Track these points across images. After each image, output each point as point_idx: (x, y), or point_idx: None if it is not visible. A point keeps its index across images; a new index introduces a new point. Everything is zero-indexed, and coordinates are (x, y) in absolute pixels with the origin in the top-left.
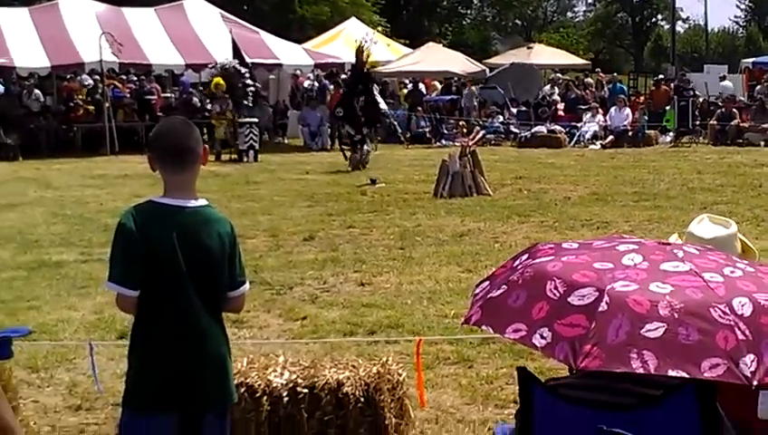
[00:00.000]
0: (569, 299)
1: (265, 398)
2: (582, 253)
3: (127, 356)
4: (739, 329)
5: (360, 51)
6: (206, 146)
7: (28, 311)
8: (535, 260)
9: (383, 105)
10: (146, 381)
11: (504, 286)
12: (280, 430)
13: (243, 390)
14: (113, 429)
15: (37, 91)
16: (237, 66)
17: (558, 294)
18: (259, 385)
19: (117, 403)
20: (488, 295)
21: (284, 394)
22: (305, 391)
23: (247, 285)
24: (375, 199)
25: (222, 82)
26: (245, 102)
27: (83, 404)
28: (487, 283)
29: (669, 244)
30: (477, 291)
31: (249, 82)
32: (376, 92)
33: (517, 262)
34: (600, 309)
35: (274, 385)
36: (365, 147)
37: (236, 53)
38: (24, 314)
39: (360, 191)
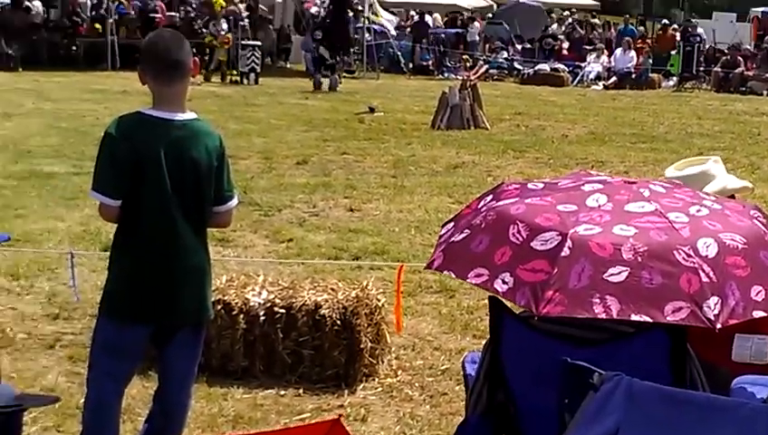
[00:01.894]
0: (531, 244)
1: (242, 316)
2: (547, 194)
3: (107, 266)
4: (703, 271)
5: None
6: (196, 59)
7: (15, 219)
8: (499, 202)
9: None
10: (124, 290)
11: (466, 230)
12: (255, 349)
13: (220, 307)
14: (89, 339)
15: (37, 2)
16: None
17: (521, 239)
18: (236, 303)
19: (95, 314)
20: (451, 239)
21: (261, 313)
22: (282, 311)
23: (235, 201)
24: (372, 127)
25: (223, 1)
26: (242, 24)
27: (61, 314)
28: (452, 224)
29: (635, 182)
30: (442, 232)
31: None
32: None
33: (482, 203)
34: (563, 254)
35: (252, 304)
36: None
37: None
38: (10, 222)
39: (358, 119)
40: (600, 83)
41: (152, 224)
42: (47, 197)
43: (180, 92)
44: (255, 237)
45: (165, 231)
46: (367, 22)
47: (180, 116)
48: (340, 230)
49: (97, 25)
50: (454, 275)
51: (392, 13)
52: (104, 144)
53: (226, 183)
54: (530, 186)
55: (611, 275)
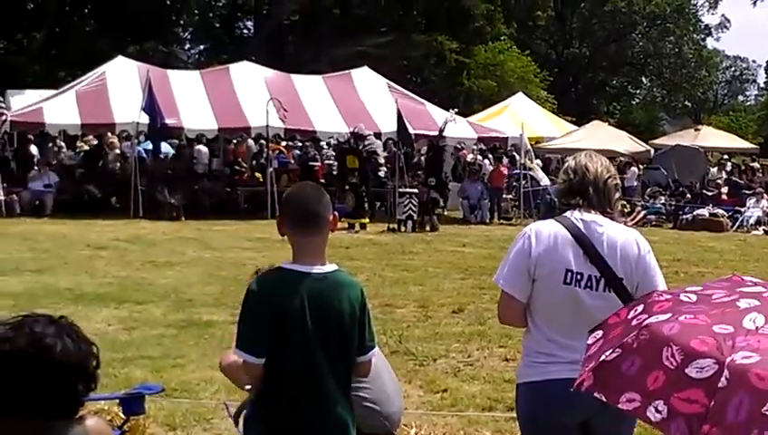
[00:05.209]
0: (686, 370)
1: None
2: (701, 310)
3: (253, 417)
4: None
5: (440, 130)
6: (336, 213)
7: (173, 369)
8: (651, 317)
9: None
10: None
11: (618, 349)
12: None
13: None
14: None
15: (203, 148)
16: (372, 148)
17: (675, 364)
18: None
19: None
20: (601, 357)
21: None
22: None
23: (376, 350)
24: None
25: (356, 162)
26: (375, 178)
27: None
28: (600, 334)
29: None
30: (590, 342)
31: (381, 161)
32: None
33: (631, 313)
34: (720, 385)
35: None
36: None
37: (401, 123)
38: (168, 371)
39: None
40: (761, 228)
41: (298, 377)
42: (205, 346)
43: (319, 244)
44: (410, 388)
45: (310, 384)
46: (523, 169)
47: (320, 268)
48: (495, 380)
49: (257, 174)
50: (604, 399)
51: (547, 159)
52: (246, 302)
53: (368, 333)
54: (682, 297)
55: None
